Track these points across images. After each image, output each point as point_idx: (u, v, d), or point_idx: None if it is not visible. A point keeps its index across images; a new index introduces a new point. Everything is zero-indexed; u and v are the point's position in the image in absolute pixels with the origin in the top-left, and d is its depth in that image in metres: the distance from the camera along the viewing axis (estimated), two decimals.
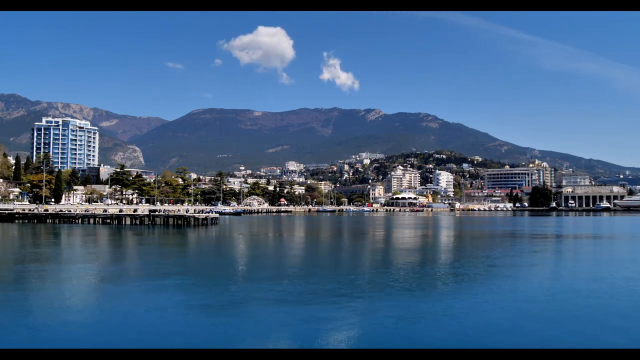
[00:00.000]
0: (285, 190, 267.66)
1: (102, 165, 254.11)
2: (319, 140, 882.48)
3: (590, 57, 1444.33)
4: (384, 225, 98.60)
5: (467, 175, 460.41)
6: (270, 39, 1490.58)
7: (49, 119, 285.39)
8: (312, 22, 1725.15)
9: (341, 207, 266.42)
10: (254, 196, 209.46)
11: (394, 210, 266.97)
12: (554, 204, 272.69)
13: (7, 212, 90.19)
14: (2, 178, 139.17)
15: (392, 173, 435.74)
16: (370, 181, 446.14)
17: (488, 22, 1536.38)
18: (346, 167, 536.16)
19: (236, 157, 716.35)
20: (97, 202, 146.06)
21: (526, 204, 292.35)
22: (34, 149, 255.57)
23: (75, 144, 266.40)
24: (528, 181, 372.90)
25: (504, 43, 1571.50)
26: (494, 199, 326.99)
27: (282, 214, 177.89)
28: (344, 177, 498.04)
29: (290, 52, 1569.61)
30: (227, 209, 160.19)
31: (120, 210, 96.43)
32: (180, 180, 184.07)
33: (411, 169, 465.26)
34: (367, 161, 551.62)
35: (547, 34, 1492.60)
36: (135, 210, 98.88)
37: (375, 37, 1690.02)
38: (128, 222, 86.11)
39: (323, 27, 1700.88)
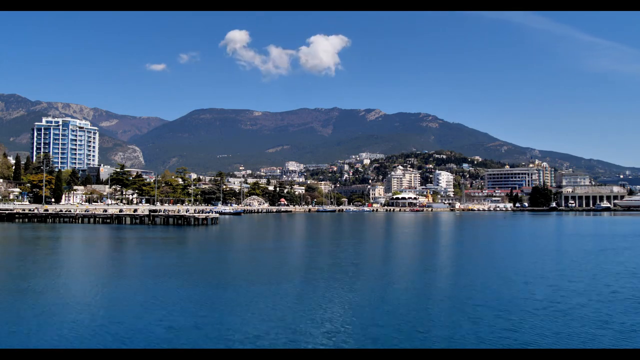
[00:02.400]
0: (285, 190, 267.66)
1: (102, 165, 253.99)
2: (319, 140, 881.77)
3: (591, 56, 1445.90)
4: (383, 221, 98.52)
5: (467, 175, 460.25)
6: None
7: (49, 119, 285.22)
8: (313, 21, 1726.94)
9: (341, 207, 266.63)
10: (254, 196, 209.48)
11: (393, 210, 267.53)
12: (554, 204, 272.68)
13: (7, 212, 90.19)
14: (2, 178, 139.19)
15: (392, 173, 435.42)
16: (370, 181, 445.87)
17: (487, 22, 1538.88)
18: (346, 167, 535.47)
19: (236, 157, 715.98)
20: (97, 202, 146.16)
21: (526, 204, 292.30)
22: (34, 149, 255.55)
23: (75, 144, 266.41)
24: (528, 181, 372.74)
25: (503, 42, 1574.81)
26: (494, 199, 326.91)
27: (282, 213, 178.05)
28: (344, 177, 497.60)
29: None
30: (227, 209, 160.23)
31: (121, 210, 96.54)
32: (180, 180, 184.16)
33: (411, 169, 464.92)
34: (367, 161, 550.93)
35: (547, 32, 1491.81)
36: (135, 210, 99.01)
37: (375, 36, 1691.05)
38: (128, 222, 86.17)
39: (323, 27, 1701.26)
